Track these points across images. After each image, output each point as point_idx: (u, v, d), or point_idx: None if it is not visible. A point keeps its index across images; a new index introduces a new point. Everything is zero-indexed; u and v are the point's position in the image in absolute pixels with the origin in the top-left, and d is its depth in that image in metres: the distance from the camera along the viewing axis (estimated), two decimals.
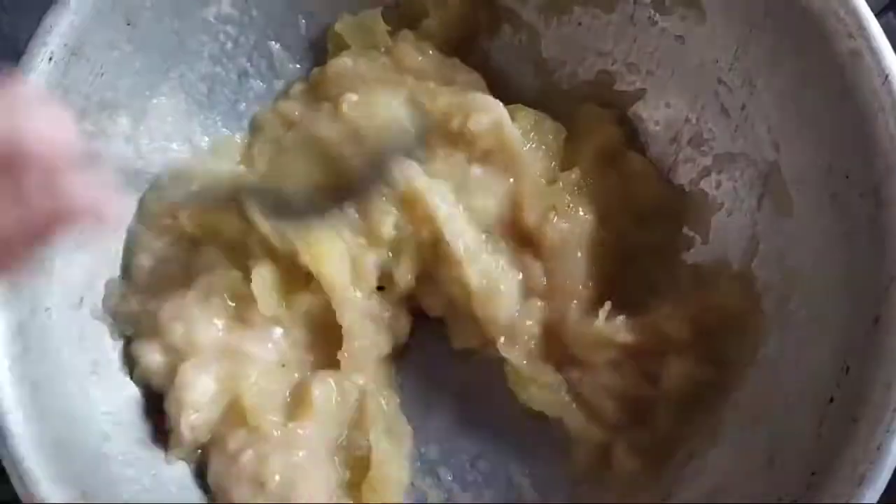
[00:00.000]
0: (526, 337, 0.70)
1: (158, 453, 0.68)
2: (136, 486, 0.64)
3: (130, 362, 0.69)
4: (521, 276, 0.71)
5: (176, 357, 0.68)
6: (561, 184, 0.72)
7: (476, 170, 0.72)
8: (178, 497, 0.67)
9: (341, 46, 0.77)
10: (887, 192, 0.56)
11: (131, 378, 0.69)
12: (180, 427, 0.66)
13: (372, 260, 0.70)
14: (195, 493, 0.68)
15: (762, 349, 0.65)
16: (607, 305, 0.68)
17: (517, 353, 0.70)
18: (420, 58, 0.76)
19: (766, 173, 0.67)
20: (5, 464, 0.57)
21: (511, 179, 0.72)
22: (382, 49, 0.77)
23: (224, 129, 0.77)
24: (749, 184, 0.69)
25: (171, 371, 0.68)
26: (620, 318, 0.68)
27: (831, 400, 0.57)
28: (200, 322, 0.69)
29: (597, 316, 0.68)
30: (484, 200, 0.72)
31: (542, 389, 0.69)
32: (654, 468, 0.68)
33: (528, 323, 0.70)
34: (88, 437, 0.63)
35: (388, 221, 0.70)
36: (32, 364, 0.60)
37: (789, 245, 0.65)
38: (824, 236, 0.61)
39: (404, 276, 0.71)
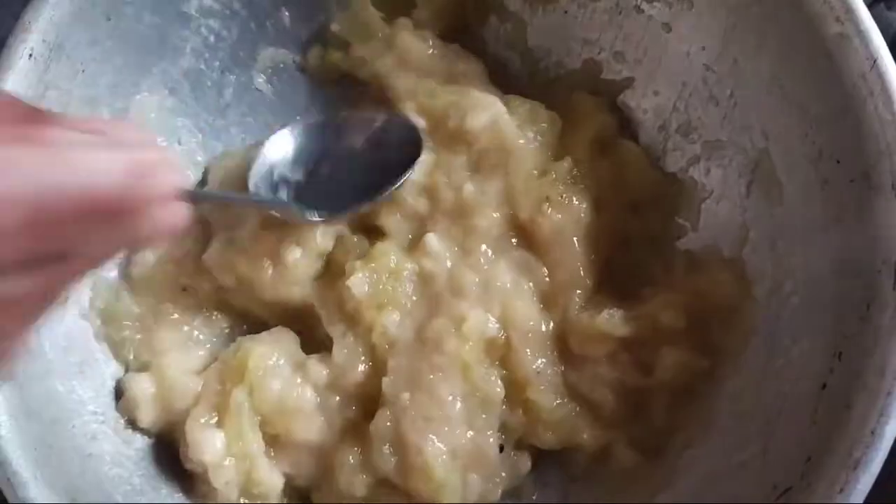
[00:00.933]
0: (549, 374, 0.69)
1: (147, 453, 0.67)
2: (125, 486, 0.63)
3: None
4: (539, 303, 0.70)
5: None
6: (554, 174, 0.71)
7: (469, 186, 0.71)
8: (168, 498, 0.66)
9: (343, 46, 0.78)
10: (878, 177, 0.56)
11: (116, 408, 0.68)
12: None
13: None
14: (185, 494, 0.67)
15: (754, 337, 0.65)
16: (614, 311, 0.68)
17: (544, 393, 0.69)
18: (423, 47, 0.76)
19: (755, 160, 0.67)
20: None
21: (505, 176, 0.71)
22: (380, 35, 0.76)
23: (207, 126, 0.76)
24: (738, 171, 0.68)
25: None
26: (619, 312, 0.68)
27: (824, 386, 0.56)
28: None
29: (596, 310, 0.68)
30: (485, 216, 0.71)
31: (558, 432, 0.69)
32: (651, 460, 0.68)
33: (550, 364, 0.70)
34: (76, 437, 0.62)
35: None
36: (18, 365, 0.59)
37: (780, 231, 0.64)
38: (815, 222, 0.61)
39: None
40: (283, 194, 0.70)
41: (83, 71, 0.65)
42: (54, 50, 0.63)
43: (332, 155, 0.72)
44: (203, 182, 0.75)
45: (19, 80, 0.62)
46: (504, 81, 0.76)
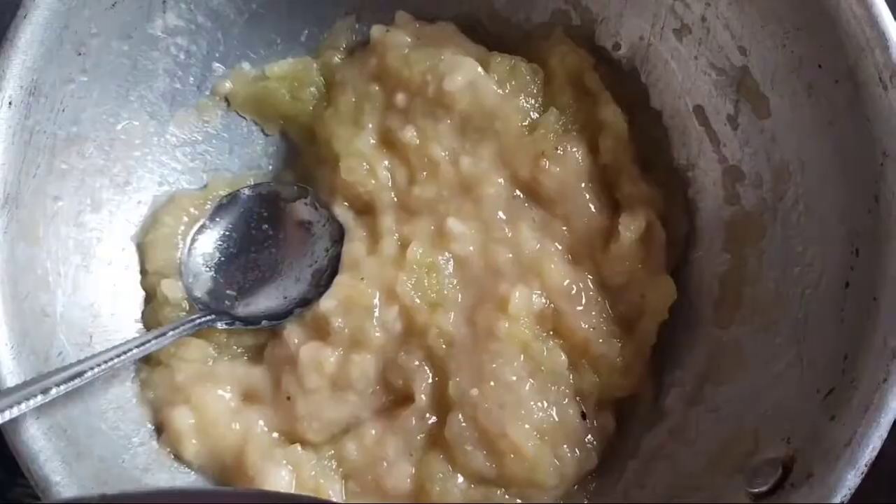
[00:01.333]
0: (601, 322, 0.70)
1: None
2: None
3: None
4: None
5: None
6: (543, 129, 0.71)
7: (465, 159, 0.72)
8: None
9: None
10: (862, 73, 0.57)
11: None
12: None
13: None
14: None
15: (768, 248, 0.66)
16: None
17: (605, 344, 0.69)
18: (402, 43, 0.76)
19: (737, 79, 0.67)
20: None
21: (495, 138, 0.72)
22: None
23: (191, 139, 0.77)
24: (723, 93, 0.69)
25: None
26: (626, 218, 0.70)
27: (847, 284, 0.57)
28: None
29: (615, 239, 0.70)
30: (491, 182, 0.71)
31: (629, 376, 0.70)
32: None
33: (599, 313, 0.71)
34: (128, 471, 0.63)
35: None
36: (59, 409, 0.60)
37: (773, 144, 0.65)
38: (807, 129, 0.62)
39: None
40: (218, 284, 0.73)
41: (63, 110, 0.65)
42: (32, 94, 0.62)
43: (255, 241, 0.75)
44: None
45: (1, 131, 0.61)
46: (485, 42, 0.76)
